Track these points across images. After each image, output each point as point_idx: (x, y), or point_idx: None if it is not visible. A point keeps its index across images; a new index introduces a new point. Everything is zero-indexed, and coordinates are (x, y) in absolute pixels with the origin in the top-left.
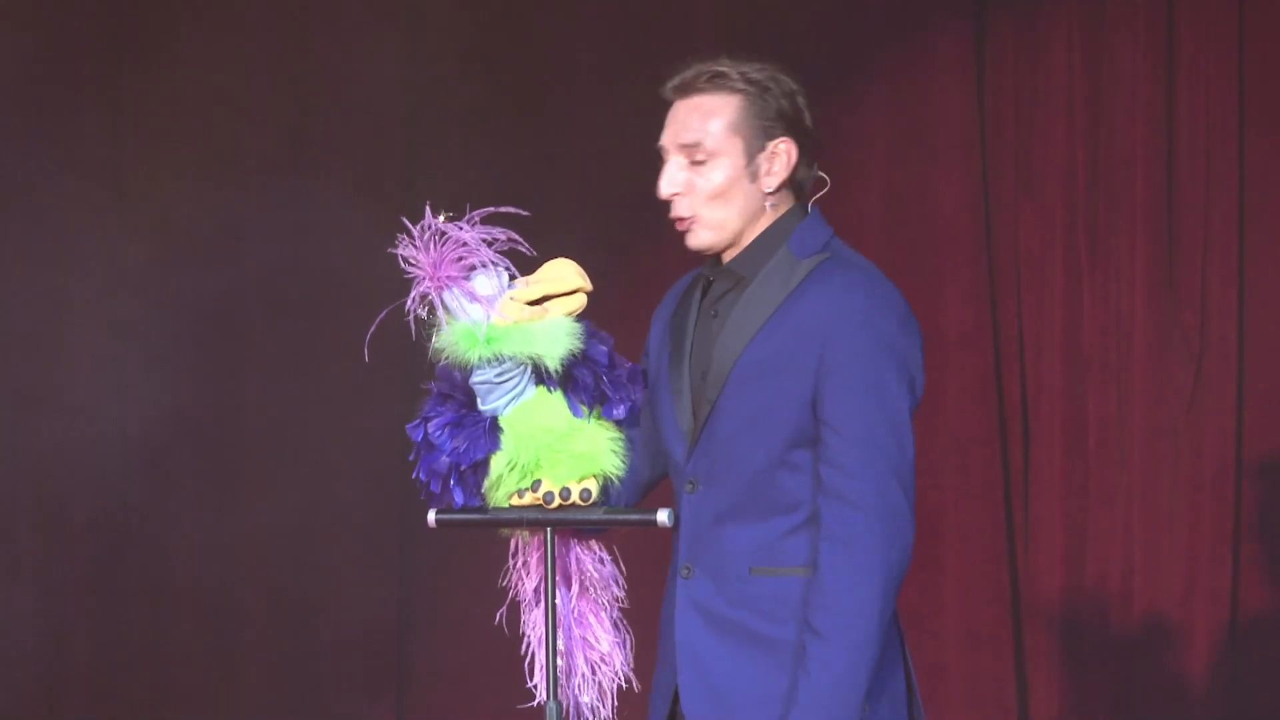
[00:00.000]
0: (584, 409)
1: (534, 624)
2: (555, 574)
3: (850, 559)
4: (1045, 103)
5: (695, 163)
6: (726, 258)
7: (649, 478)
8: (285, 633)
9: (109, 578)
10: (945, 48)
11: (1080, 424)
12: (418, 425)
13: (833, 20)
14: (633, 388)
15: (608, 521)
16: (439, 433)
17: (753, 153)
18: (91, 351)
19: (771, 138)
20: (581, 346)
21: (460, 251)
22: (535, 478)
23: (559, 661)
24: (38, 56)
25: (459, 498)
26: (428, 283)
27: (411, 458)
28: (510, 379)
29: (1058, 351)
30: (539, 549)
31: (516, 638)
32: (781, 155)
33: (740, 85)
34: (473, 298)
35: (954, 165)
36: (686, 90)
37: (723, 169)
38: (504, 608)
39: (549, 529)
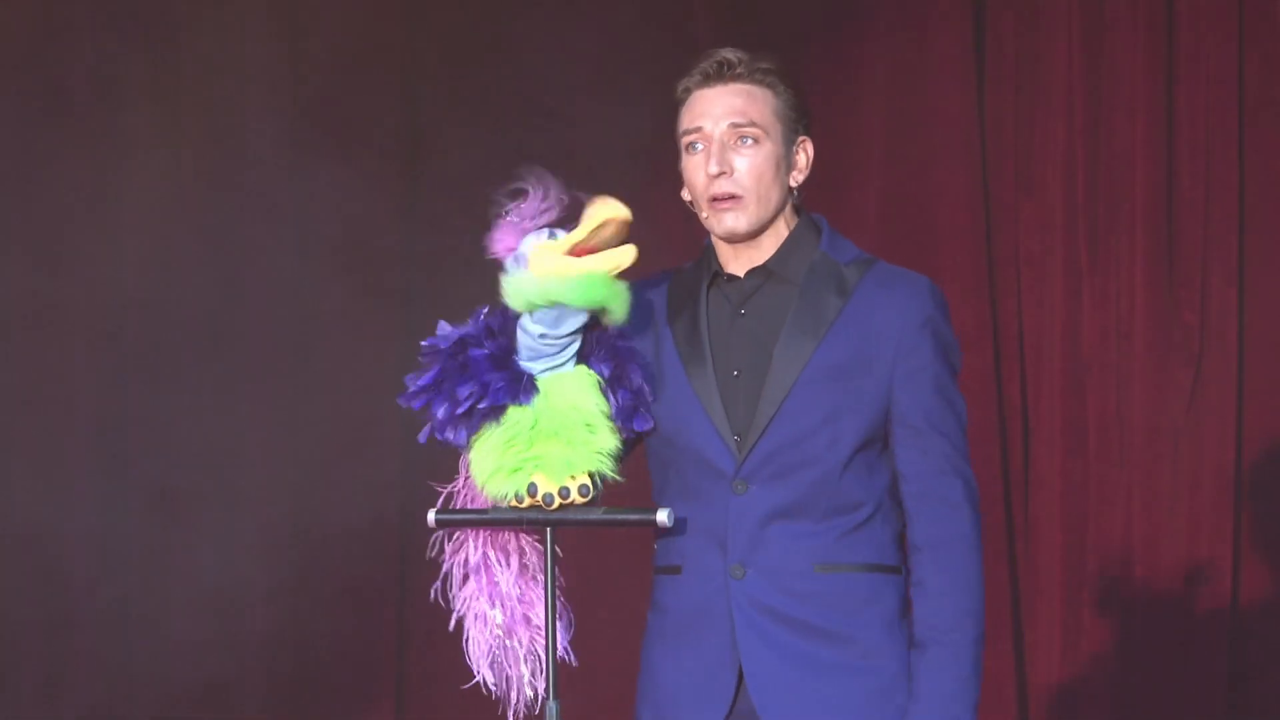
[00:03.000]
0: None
1: (465, 599)
2: (554, 574)
3: (954, 561)
4: (1045, 102)
5: (743, 144)
6: (737, 256)
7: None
8: (284, 633)
9: (101, 574)
10: (945, 47)
11: (1080, 424)
12: (459, 341)
13: (831, 18)
14: (649, 382)
15: (608, 522)
16: (480, 361)
17: (789, 144)
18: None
19: (798, 134)
20: (625, 309)
21: (521, 216)
22: (537, 456)
23: (499, 634)
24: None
25: (452, 435)
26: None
27: (423, 356)
28: (568, 346)
29: (1057, 351)
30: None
31: (465, 646)
32: (804, 153)
33: (773, 79)
34: (519, 259)
35: (954, 165)
36: (726, 76)
37: (769, 153)
38: (439, 581)
39: (549, 529)
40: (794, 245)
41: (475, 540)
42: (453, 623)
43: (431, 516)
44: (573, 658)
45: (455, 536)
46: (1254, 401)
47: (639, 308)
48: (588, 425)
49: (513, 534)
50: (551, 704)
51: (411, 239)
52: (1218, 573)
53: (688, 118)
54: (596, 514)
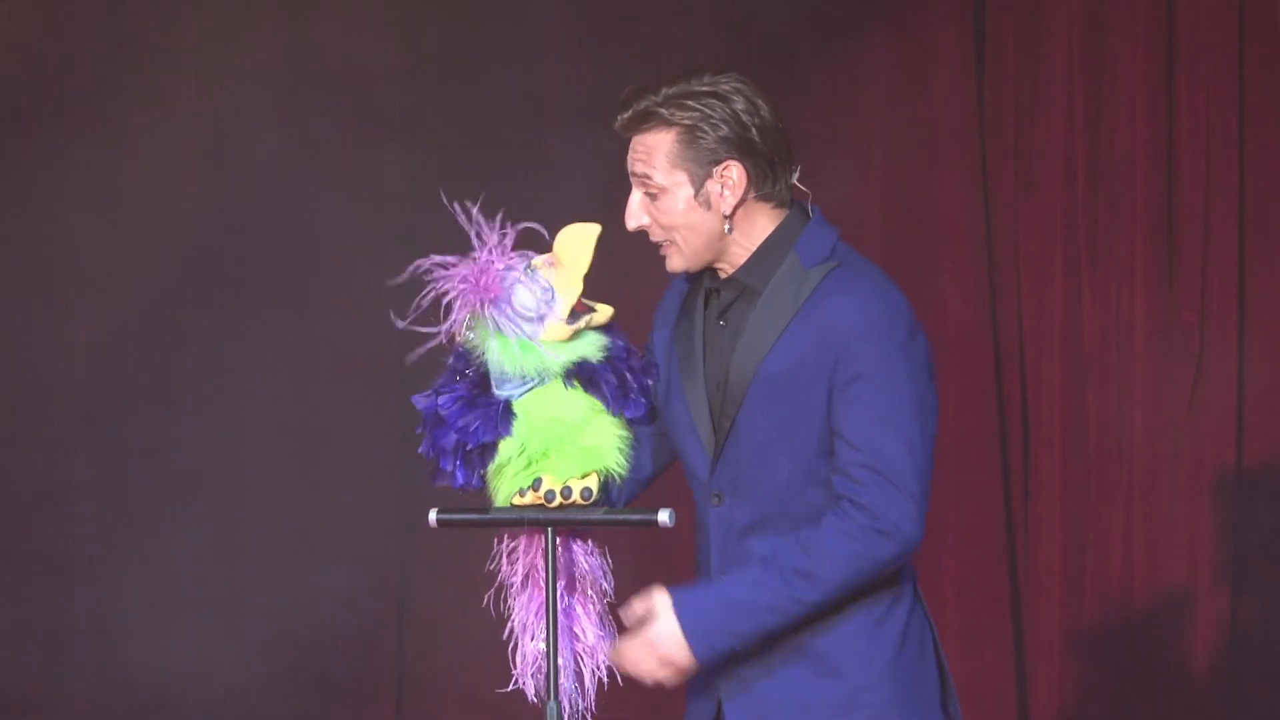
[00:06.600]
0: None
1: (519, 610)
2: (555, 573)
3: (838, 545)
4: (1045, 103)
5: (648, 198)
6: (726, 269)
7: (651, 473)
8: (285, 632)
9: (101, 577)
10: (945, 48)
11: (1080, 424)
12: (428, 397)
13: (832, 19)
14: (647, 377)
15: (609, 522)
16: (450, 407)
17: (700, 181)
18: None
19: (717, 162)
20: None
21: (501, 262)
22: (540, 469)
23: (543, 648)
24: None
25: (460, 478)
26: (472, 296)
27: (419, 431)
28: (532, 382)
29: (1058, 351)
30: (529, 539)
31: (512, 656)
32: (731, 178)
33: (673, 119)
34: (518, 316)
35: (954, 165)
36: (626, 129)
37: (674, 202)
38: (491, 592)
39: (550, 529)
40: (766, 252)
41: (526, 553)
42: (506, 632)
43: (432, 516)
44: (619, 675)
45: (512, 549)
46: (1254, 401)
47: (662, 311)
48: (572, 431)
49: (563, 548)
50: (551, 704)
51: (410, 219)
52: (1218, 573)
53: None
54: (597, 514)
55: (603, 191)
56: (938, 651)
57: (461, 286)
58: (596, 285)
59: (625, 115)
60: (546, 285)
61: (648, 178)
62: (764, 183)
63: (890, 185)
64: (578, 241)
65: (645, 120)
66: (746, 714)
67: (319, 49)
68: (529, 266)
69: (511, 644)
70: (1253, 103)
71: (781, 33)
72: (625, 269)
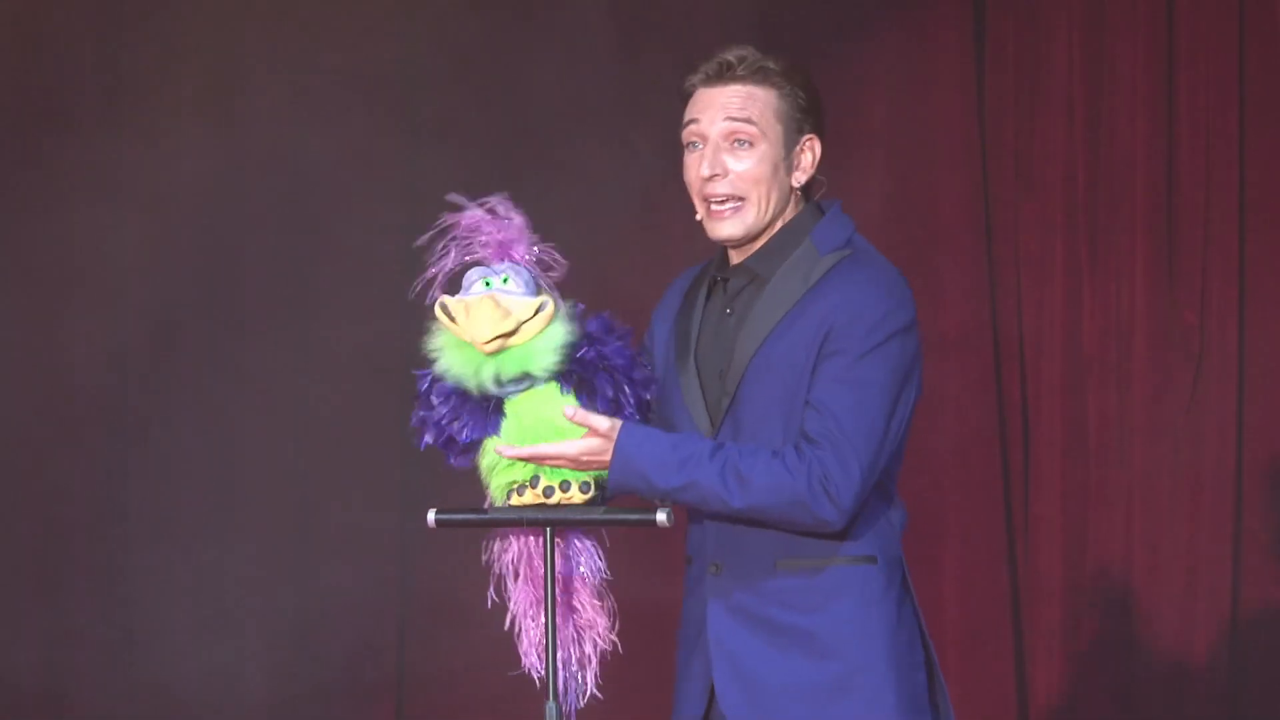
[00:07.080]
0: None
1: (517, 597)
2: (553, 574)
3: (782, 474)
4: (1045, 103)
5: (738, 146)
6: (738, 256)
7: None
8: (285, 632)
9: (104, 580)
10: (945, 47)
11: (1080, 424)
12: (425, 375)
13: (833, 20)
14: (646, 391)
15: (607, 521)
16: (441, 400)
17: (790, 145)
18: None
19: (804, 132)
20: (572, 349)
21: (525, 237)
22: (532, 470)
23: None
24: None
25: (452, 460)
26: (489, 250)
27: (416, 400)
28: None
29: (1058, 351)
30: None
31: (516, 639)
32: (809, 151)
33: (777, 79)
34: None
35: (954, 165)
36: (726, 77)
37: (766, 155)
38: (491, 586)
39: (549, 529)
40: (780, 241)
41: (519, 538)
42: (508, 621)
43: (431, 516)
44: (619, 645)
45: (503, 538)
46: (1254, 401)
47: (662, 308)
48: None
49: (559, 537)
50: (550, 705)
51: (412, 221)
52: (1218, 573)
53: (688, 113)
54: (596, 513)
55: (634, 192)
56: (926, 645)
57: (483, 234)
58: (599, 283)
59: (730, 59)
60: (506, 291)
61: (749, 122)
62: (821, 166)
63: (891, 185)
64: (535, 334)
65: (756, 72)
66: (741, 696)
67: (340, 48)
68: (531, 278)
69: (516, 630)
70: (1253, 103)
71: (781, 33)
72: (628, 268)
